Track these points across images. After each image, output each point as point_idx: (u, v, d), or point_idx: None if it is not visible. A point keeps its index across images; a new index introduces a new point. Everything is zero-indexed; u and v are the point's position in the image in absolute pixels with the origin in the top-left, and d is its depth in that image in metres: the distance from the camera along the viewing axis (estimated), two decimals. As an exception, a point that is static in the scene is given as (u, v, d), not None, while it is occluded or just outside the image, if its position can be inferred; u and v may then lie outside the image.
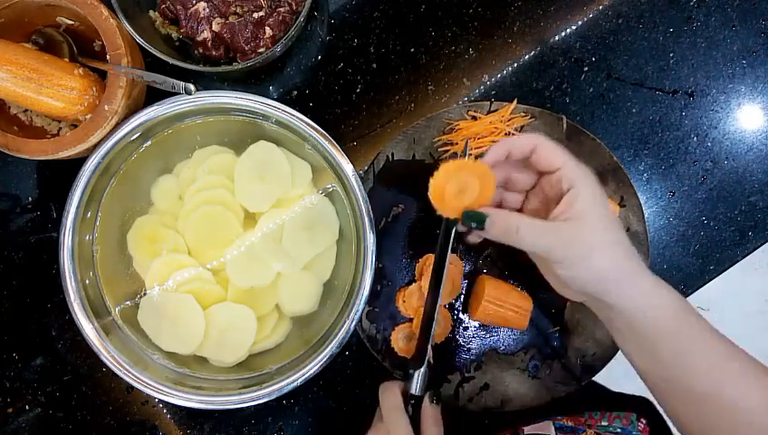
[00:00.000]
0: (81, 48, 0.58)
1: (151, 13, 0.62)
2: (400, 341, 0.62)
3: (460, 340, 0.64)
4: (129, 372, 0.54)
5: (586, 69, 0.67)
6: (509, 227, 0.44)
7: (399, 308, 0.62)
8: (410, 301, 0.62)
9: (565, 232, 0.44)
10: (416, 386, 0.53)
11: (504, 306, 0.60)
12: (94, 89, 0.56)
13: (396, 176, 0.64)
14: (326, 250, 0.60)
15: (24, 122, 0.59)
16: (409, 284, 0.63)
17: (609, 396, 0.70)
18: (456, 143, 0.63)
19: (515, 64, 0.67)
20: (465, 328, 0.64)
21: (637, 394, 0.65)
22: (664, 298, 0.45)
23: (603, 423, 0.59)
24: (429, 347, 0.55)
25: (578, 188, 0.45)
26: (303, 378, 0.55)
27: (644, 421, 0.57)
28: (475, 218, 0.45)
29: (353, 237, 0.60)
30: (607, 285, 0.44)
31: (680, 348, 0.44)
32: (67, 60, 0.57)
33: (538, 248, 0.45)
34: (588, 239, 0.44)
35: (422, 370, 0.53)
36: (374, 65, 0.66)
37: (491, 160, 0.47)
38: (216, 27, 0.60)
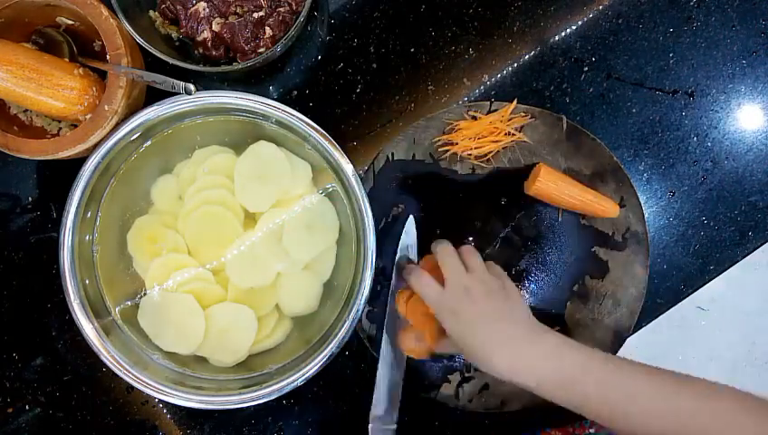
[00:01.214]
0: (81, 48, 0.58)
1: (151, 13, 0.62)
2: (410, 341, 0.60)
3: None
4: (129, 372, 0.54)
5: (586, 69, 0.67)
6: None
7: (399, 309, 0.62)
8: (413, 304, 0.60)
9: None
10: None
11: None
12: (94, 89, 0.56)
13: (396, 176, 0.64)
14: (326, 250, 0.60)
15: (24, 122, 0.59)
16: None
17: None
18: (457, 143, 0.63)
19: (515, 64, 0.67)
20: (466, 328, 0.64)
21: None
22: (564, 360, 0.48)
23: (591, 431, 0.59)
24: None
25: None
26: (303, 378, 0.55)
27: None
28: None
29: (353, 237, 0.60)
30: (513, 377, 0.49)
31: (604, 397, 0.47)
32: (67, 60, 0.57)
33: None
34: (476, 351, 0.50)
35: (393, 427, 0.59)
36: (374, 65, 0.66)
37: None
38: (216, 27, 0.60)
